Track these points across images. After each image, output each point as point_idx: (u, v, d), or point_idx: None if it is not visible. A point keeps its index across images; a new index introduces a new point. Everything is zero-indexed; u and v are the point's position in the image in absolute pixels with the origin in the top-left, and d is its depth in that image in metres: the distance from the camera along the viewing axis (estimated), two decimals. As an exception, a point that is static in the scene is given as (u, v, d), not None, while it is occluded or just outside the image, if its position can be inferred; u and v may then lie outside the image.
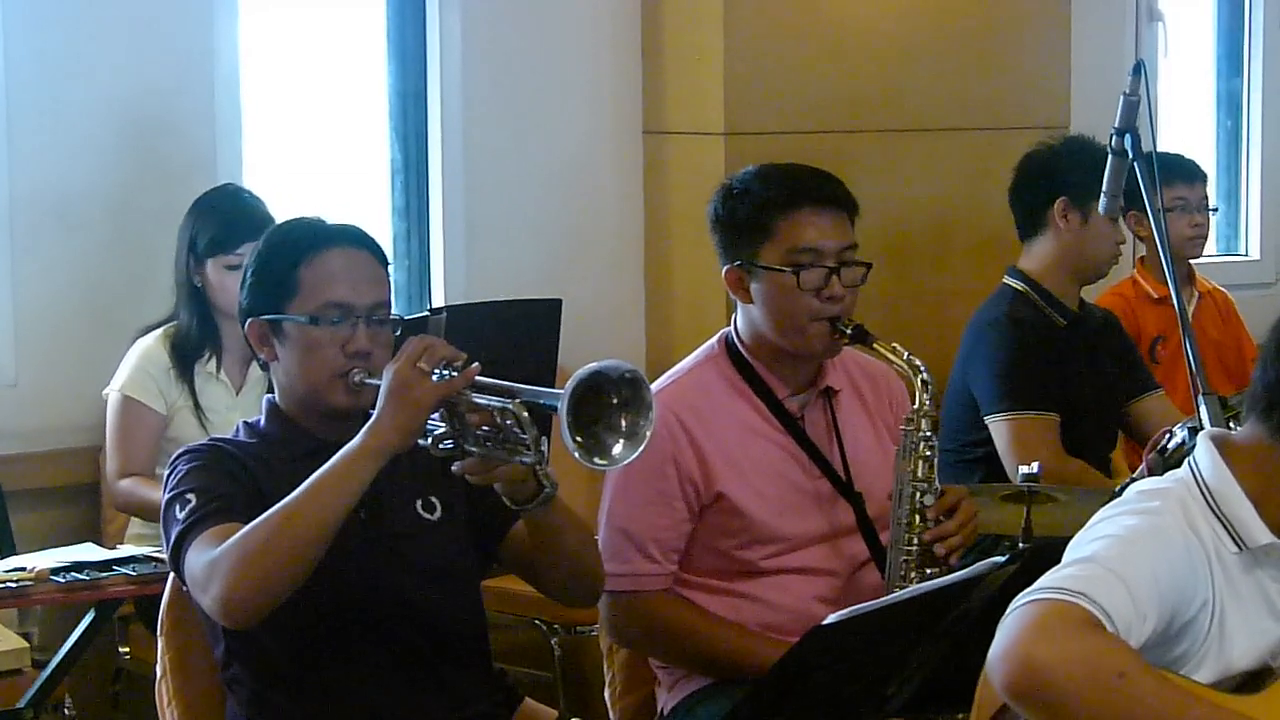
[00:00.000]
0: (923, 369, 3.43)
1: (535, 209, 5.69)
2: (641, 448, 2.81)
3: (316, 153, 5.49)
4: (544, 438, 2.85)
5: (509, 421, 2.85)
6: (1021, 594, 2.48)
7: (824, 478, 3.51)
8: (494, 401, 2.86)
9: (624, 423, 2.81)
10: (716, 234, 3.55)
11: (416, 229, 5.62)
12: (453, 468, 2.94)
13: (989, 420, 4.64)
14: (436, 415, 2.93)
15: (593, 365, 2.78)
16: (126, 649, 4.74)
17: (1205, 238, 5.61)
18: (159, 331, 4.70)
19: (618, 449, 2.81)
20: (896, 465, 3.43)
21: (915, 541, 3.40)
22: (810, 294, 3.43)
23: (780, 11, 5.64)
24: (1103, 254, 4.77)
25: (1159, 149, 3.79)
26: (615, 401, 2.80)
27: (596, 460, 2.79)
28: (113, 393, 4.67)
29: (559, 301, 4.38)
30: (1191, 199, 5.50)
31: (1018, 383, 4.64)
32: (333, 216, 3.26)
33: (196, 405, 4.64)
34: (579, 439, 2.75)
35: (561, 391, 2.74)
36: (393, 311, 3.17)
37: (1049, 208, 4.77)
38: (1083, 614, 2.42)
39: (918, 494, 3.40)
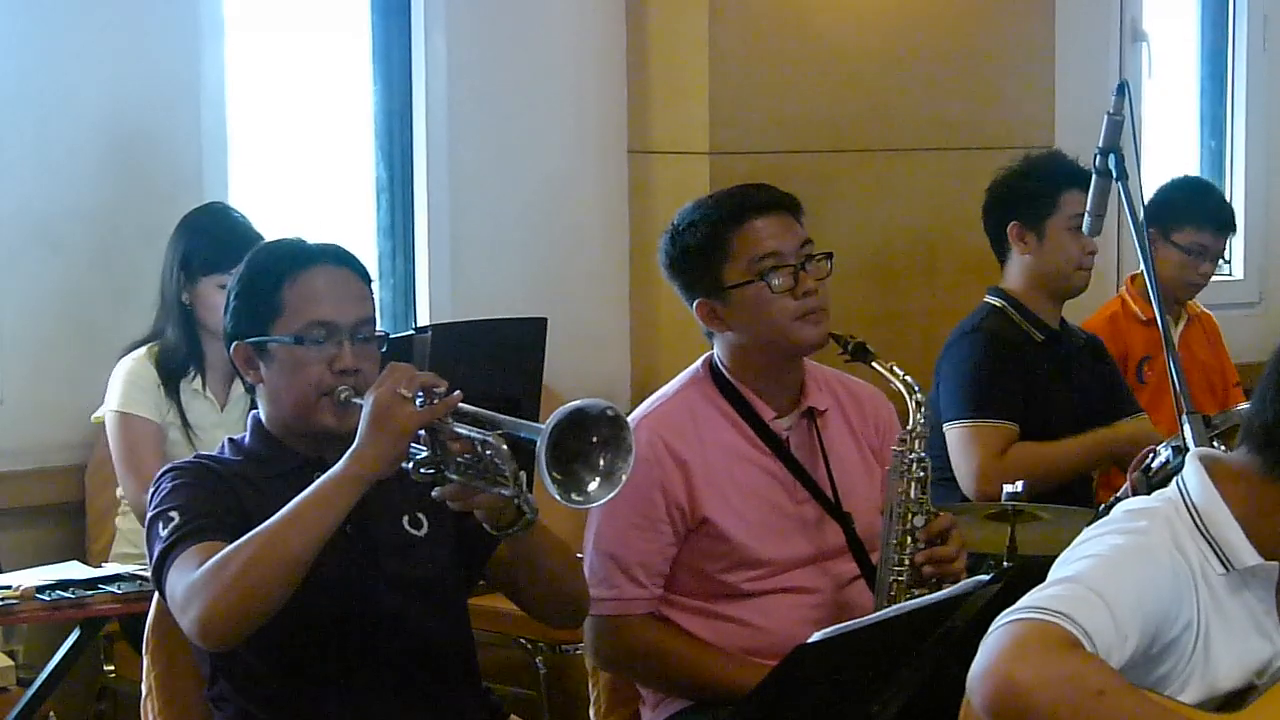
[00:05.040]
0: (917, 390, 3.45)
1: (520, 228, 5.69)
2: (617, 489, 2.82)
3: (302, 171, 5.49)
4: (523, 472, 2.85)
5: (489, 452, 2.86)
6: (1004, 613, 2.49)
7: (810, 500, 3.52)
8: (475, 432, 2.87)
9: (602, 462, 2.81)
10: (675, 276, 3.57)
11: (401, 248, 5.62)
12: (433, 493, 2.95)
13: (946, 427, 4.64)
14: (419, 439, 2.94)
15: (574, 403, 2.79)
16: (111, 667, 4.73)
17: (1204, 288, 5.58)
18: (142, 350, 4.69)
19: (594, 487, 2.82)
20: (889, 486, 3.44)
21: (906, 562, 3.41)
22: (784, 295, 3.45)
23: (765, 32, 5.65)
24: (1065, 271, 4.78)
25: (1144, 170, 3.80)
26: (595, 440, 2.81)
27: (574, 497, 2.79)
28: (109, 413, 4.65)
29: (544, 320, 4.38)
30: (1212, 249, 5.46)
31: (978, 391, 4.65)
32: (317, 235, 3.26)
33: (185, 422, 4.64)
34: (557, 476, 2.76)
35: (542, 427, 2.74)
36: (378, 329, 3.17)
37: (1003, 232, 4.81)
38: (1064, 634, 2.43)
39: (910, 515, 3.41)
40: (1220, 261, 5.59)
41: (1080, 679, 2.39)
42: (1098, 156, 3.80)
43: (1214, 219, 5.45)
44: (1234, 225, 5.61)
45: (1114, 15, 6.84)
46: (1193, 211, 5.44)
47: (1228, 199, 7.13)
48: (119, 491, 4.70)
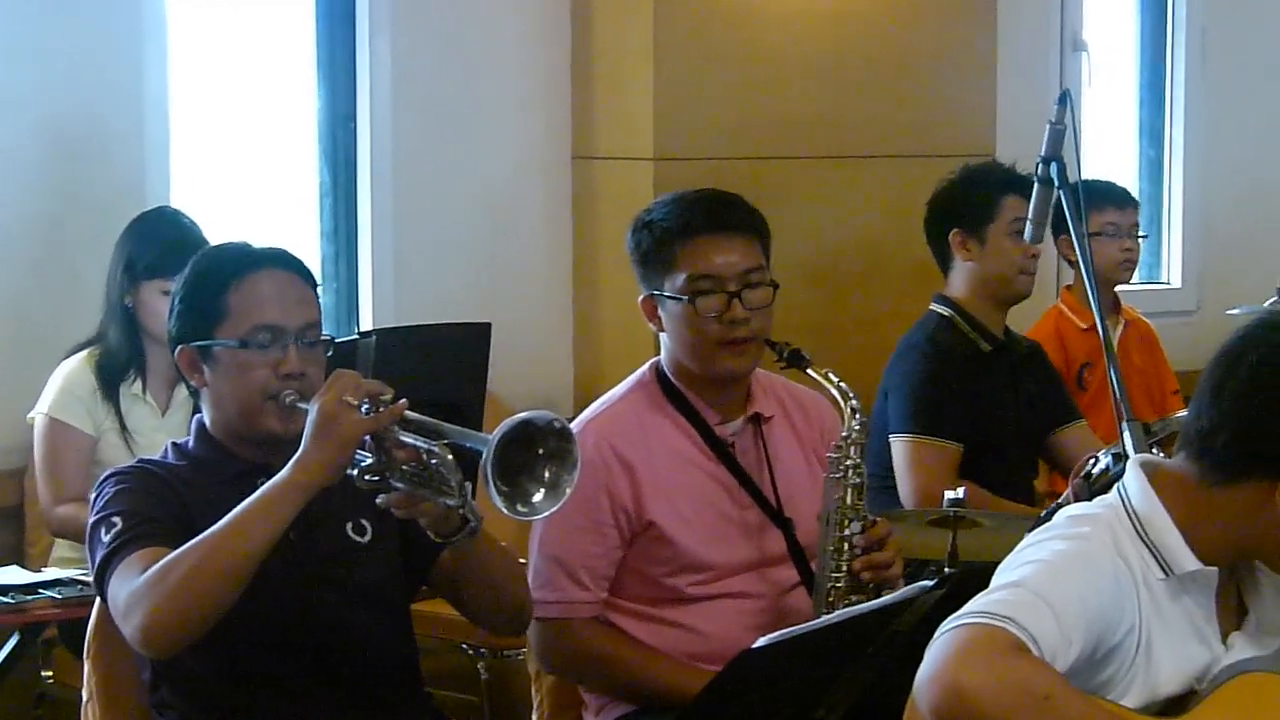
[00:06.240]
0: (853, 396, 3.46)
1: (464, 233, 5.69)
2: (562, 502, 2.82)
3: (245, 176, 5.48)
4: (468, 482, 2.85)
5: (434, 461, 2.86)
6: (949, 618, 2.50)
7: (754, 506, 3.52)
8: (420, 441, 2.87)
9: (547, 474, 2.82)
10: (633, 265, 3.58)
11: (345, 252, 5.62)
12: (377, 500, 2.94)
13: (892, 438, 4.66)
14: (364, 447, 2.93)
15: (521, 415, 2.79)
16: (50, 673, 4.70)
17: (1135, 262, 5.68)
18: (83, 354, 4.67)
19: (538, 499, 2.82)
20: (825, 492, 3.45)
21: (843, 568, 3.42)
22: (711, 320, 3.45)
23: (710, 38, 5.67)
24: (1008, 276, 4.81)
25: (1084, 177, 3.82)
26: (541, 452, 2.81)
27: (519, 509, 2.80)
28: (39, 416, 4.63)
29: (488, 325, 4.38)
30: (1122, 224, 5.57)
31: (926, 407, 4.67)
32: (261, 239, 3.25)
33: (123, 427, 4.62)
34: (502, 488, 2.76)
35: (488, 438, 2.74)
36: (323, 333, 3.17)
37: (945, 240, 4.84)
38: (1009, 638, 2.44)
39: (846, 521, 3.42)
40: (1138, 235, 5.64)
41: (1026, 683, 2.41)
42: (1040, 165, 3.82)
43: (1106, 197, 5.52)
44: (1131, 197, 5.70)
45: (1054, 25, 6.89)
46: (1086, 201, 5.49)
47: (1160, 205, 7.26)
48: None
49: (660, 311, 3.52)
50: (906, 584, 2.99)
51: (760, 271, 3.50)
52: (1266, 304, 5.65)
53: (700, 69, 5.66)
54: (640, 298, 3.56)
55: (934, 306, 4.86)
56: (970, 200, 4.82)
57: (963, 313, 4.81)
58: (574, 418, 3.48)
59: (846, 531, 3.43)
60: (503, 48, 5.72)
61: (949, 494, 3.95)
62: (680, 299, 3.46)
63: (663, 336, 3.56)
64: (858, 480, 3.45)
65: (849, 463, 3.45)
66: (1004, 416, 4.76)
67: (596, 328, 5.81)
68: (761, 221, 3.56)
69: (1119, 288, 5.70)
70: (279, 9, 5.54)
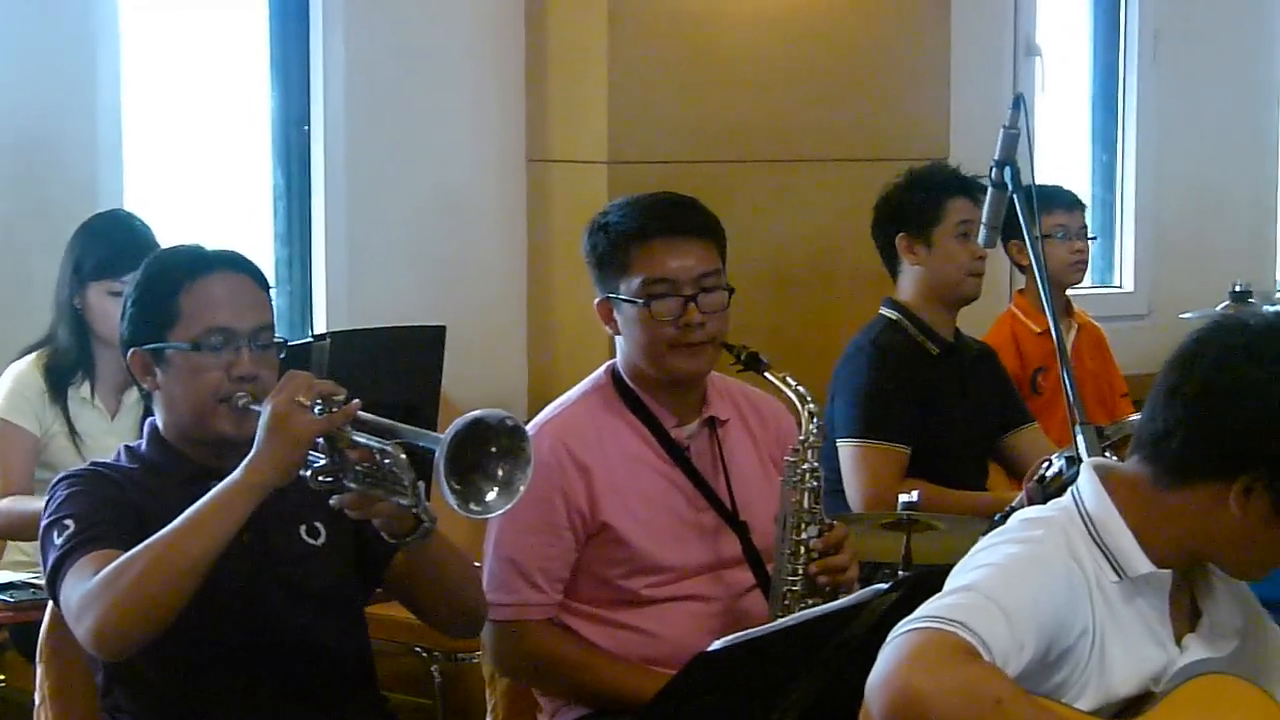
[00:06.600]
0: (810, 400, 3.47)
1: (418, 235, 5.68)
2: (515, 500, 2.82)
3: (199, 178, 5.46)
4: (421, 482, 2.85)
5: (387, 461, 2.85)
6: (901, 622, 2.51)
7: (709, 509, 3.52)
8: (373, 441, 2.87)
9: (501, 472, 2.81)
10: (588, 269, 3.57)
11: (298, 255, 5.60)
12: (330, 501, 2.94)
13: (839, 443, 4.66)
14: (317, 448, 2.93)
15: (474, 413, 2.78)
16: (1, 677, 4.67)
17: (1086, 264, 5.72)
18: (33, 356, 4.65)
19: (492, 497, 2.81)
20: (782, 495, 3.45)
21: (800, 572, 3.42)
22: (666, 324, 3.45)
23: (664, 41, 5.67)
24: (956, 278, 4.82)
25: (1037, 182, 3.83)
26: (494, 450, 2.81)
27: (472, 507, 2.79)
28: (-13, 417, 4.61)
29: (442, 328, 4.38)
30: (1071, 226, 5.60)
31: (873, 411, 4.67)
32: (215, 242, 3.24)
33: (71, 430, 4.59)
34: (455, 486, 2.75)
35: (441, 436, 2.74)
36: (276, 335, 3.16)
37: (892, 243, 4.85)
38: (960, 643, 2.44)
39: (803, 525, 3.43)
40: (1088, 237, 5.67)
41: (977, 687, 2.41)
42: (994, 169, 3.84)
43: (1054, 200, 5.54)
44: (1079, 199, 5.74)
45: (1008, 30, 6.92)
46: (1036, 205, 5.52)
47: (1112, 209, 7.30)
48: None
49: (616, 314, 3.52)
50: (863, 587, 2.99)
51: (716, 275, 3.50)
52: (1218, 308, 5.68)
53: (654, 73, 5.67)
54: (596, 301, 3.56)
55: (882, 310, 4.87)
56: (916, 203, 4.83)
57: (911, 316, 4.82)
58: (529, 420, 3.47)
59: (803, 535, 3.43)
60: (457, 51, 5.72)
61: (903, 497, 3.96)
62: (636, 302, 3.46)
63: (618, 339, 3.56)
64: (814, 484, 3.45)
65: (806, 466, 3.45)
66: (952, 419, 4.77)
67: (551, 330, 5.81)
68: (717, 225, 3.56)
69: (1070, 291, 5.73)
70: (232, 12, 5.53)
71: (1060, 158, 7.29)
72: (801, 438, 3.47)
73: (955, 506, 4.54)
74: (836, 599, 3.31)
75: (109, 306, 4.47)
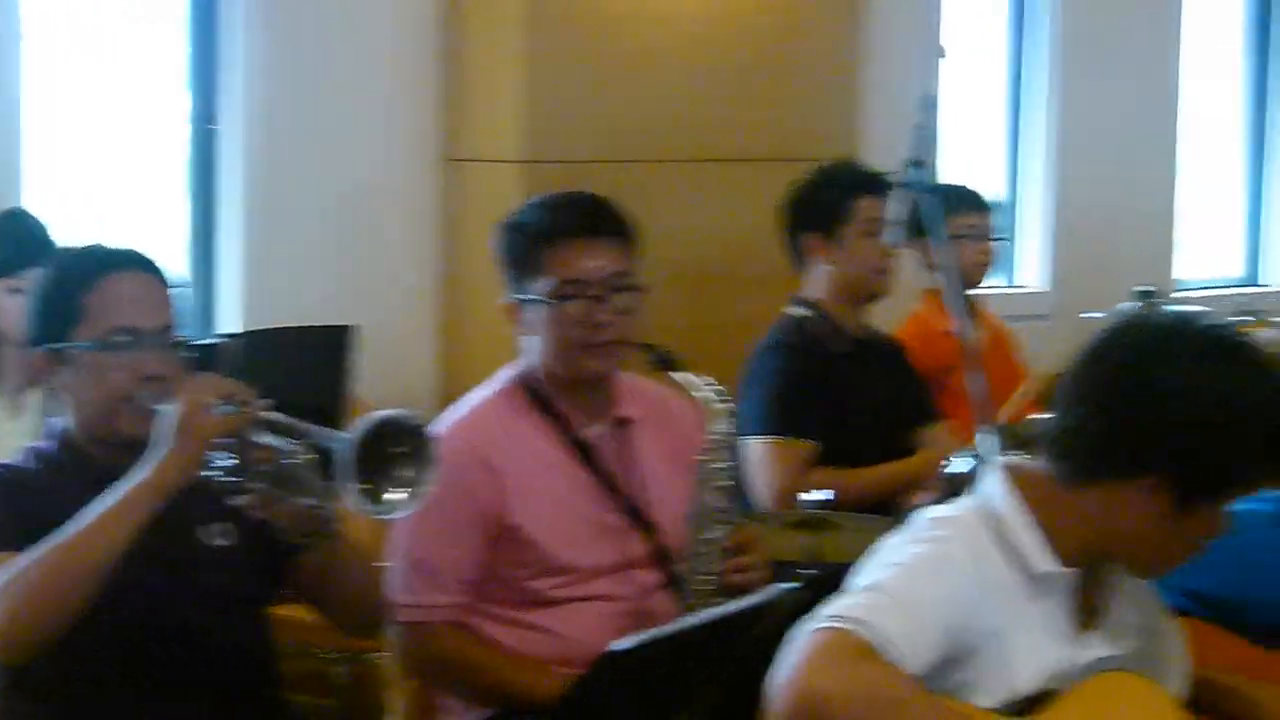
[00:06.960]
0: (724, 399, 3.47)
1: (329, 235, 5.65)
2: (421, 501, 2.82)
3: (105, 177, 5.41)
4: (328, 482, 2.84)
5: (292, 461, 2.85)
6: (804, 621, 2.51)
7: (617, 508, 3.52)
8: (279, 441, 2.86)
9: (406, 473, 2.81)
10: (500, 269, 3.57)
11: (205, 253, 5.56)
12: (234, 502, 2.93)
13: (747, 440, 4.66)
14: (223, 448, 2.91)
15: (380, 414, 2.78)
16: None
17: (991, 265, 5.76)
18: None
19: (398, 498, 2.82)
20: (693, 494, 3.45)
21: (710, 571, 3.42)
22: (575, 324, 3.45)
23: (581, 41, 5.67)
24: (865, 276, 4.83)
25: (946, 182, 3.86)
26: (400, 451, 2.80)
27: (377, 507, 2.79)
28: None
29: (353, 328, 4.36)
30: (980, 227, 5.64)
31: (781, 407, 4.67)
32: (119, 241, 3.22)
33: (-30, 430, 4.55)
34: (360, 486, 2.75)
35: (348, 436, 2.73)
36: (182, 335, 3.14)
37: (800, 242, 4.87)
38: (862, 642, 2.45)
39: (713, 524, 3.43)
40: (995, 238, 5.72)
41: (878, 687, 2.42)
42: (904, 168, 3.85)
43: (963, 202, 5.57)
44: (985, 201, 5.77)
45: (919, 30, 6.96)
46: (944, 205, 5.56)
47: (1020, 209, 7.35)
48: None
49: (525, 314, 3.51)
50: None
51: (628, 275, 3.50)
52: (1123, 307, 5.73)
53: (571, 72, 5.67)
54: (505, 301, 3.55)
55: (790, 309, 4.88)
56: (824, 202, 4.84)
57: (818, 313, 4.83)
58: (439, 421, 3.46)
59: (713, 534, 3.44)
60: (371, 49, 5.69)
61: (815, 494, 3.96)
62: (546, 303, 3.46)
63: (526, 340, 3.55)
64: (725, 483, 3.45)
65: (717, 465, 3.45)
66: (859, 415, 4.77)
67: (463, 331, 5.80)
68: (630, 225, 3.57)
69: (977, 291, 5.76)
70: (140, 8, 5.48)
71: (969, 158, 7.34)
72: (714, 437, 3.47)
73: (859, 486, 4.56)
74: (746, 598, 3.32)
75: (7, 304, 4.43)
